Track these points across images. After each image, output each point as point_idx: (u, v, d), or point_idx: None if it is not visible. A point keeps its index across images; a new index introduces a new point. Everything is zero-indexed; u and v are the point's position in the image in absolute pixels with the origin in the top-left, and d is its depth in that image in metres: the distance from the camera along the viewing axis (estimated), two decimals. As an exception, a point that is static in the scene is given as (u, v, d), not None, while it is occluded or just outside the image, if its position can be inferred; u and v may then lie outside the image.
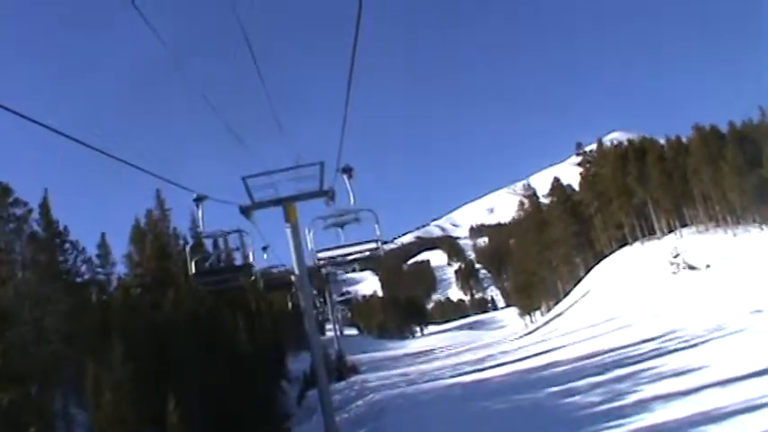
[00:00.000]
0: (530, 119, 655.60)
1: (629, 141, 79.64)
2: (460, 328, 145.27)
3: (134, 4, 6.04)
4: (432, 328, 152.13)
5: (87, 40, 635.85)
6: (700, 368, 18.75)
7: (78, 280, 23.95)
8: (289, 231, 14.83)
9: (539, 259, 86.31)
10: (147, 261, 31.20)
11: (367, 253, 13.22)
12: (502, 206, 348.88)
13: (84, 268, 24.97)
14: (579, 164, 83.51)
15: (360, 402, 29.54)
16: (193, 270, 13.33)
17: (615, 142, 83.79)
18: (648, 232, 71.75)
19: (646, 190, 69.51)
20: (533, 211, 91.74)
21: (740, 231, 58.93)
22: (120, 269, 32.37)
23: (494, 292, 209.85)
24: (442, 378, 34.47)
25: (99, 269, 31.37)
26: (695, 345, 23.95)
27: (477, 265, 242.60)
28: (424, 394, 27.48)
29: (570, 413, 17.22)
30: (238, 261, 16.98)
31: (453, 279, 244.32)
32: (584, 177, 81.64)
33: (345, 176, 13.04)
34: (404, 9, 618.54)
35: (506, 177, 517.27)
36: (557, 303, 78.77)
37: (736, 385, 15.10)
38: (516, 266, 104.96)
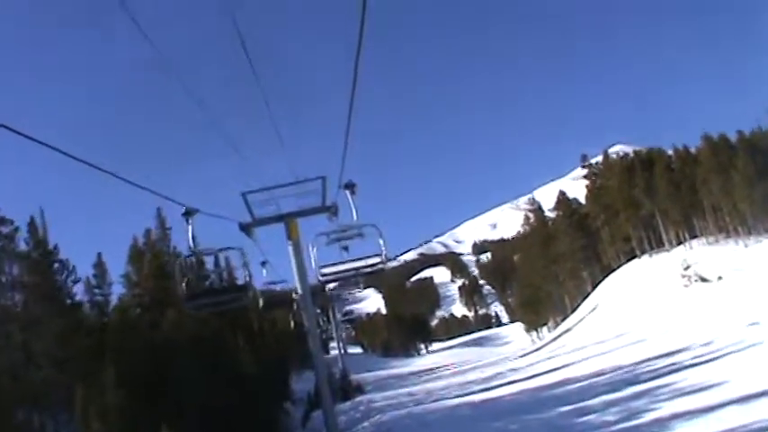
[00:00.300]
0: (531, 133, 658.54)
1: (636, 152, 78.98)
2: (465, 344, 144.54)
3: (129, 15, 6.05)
4: (436, 346, 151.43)
5: (85, 47, 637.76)
6: (719, 384, 17.97)
7: (70, 301, 23.10)
8: (291, 249, 14.50)
9: (545, 274, 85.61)
10: (146, 280, 30.53)
11: (372, 267, 12.85)
12: (504, 222, 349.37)
13: (75, 289, 24.16)
14: (585, 176, 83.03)
15: (366, 424, 28.86)
16: (184, 290, 12.54)
17: (621, 153, 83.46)
18: (657, 245, 70.90)
19: (653, 201, 68.76)
20: (539, 225, 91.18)
21: (752, 242, 57.90)
22: (118, 289, 31.77)
23: (498, 308, 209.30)
24: (450, 397, 33.85)
25: (97, 289, 30.82)
26: (712, 359, 23.17)
27: (481, 281, 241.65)
28: (432, 414, 26.95)
29: (584, 434, 16.32)
30: (240, 279, 16.40)
31: (457, 295, 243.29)
32: (591, 190, 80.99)
33: (348, 192, 12.90)
34: (405, 23, 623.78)
35: (508, 193, 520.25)
36: (564, 319, 77.90)
37: (759, 402, 14.32)
38: (522, 281, 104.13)
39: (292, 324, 59.03)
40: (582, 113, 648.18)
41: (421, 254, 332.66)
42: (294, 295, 15.52)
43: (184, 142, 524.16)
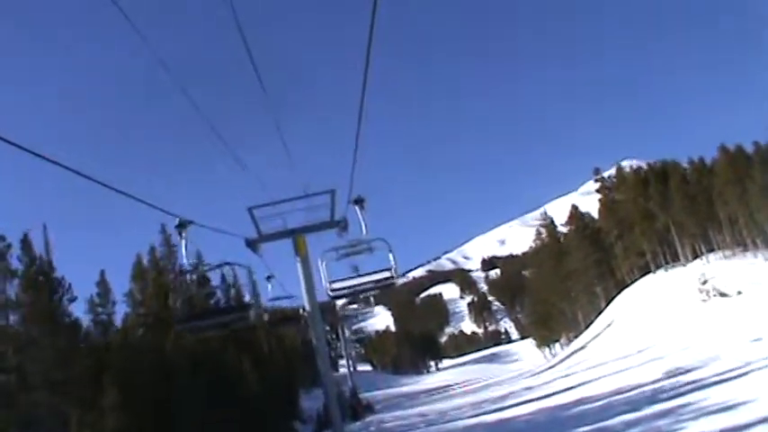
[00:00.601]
0: (539, 150, 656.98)
1: (650, 165, 78.08)
2: (476, 361, 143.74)
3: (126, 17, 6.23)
4: (446, 363, 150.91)
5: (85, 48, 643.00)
6: (745, 402, 16.85)
7: (70, 319, 22.28)
8: (299, 265, 13.99)
9: (557, 289, 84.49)
10: (150, 299, 29.86)
11: (382, 282, 12.60)
12: (513, 238, 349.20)
13: (72, 308, 23.33)
14: (598, 190, 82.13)
15: (377, 446, 27.94)
16: (179, 311, 11.78)
17: (634, 167, 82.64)
18: (672, 259, 69.70)
19: (668, 215, 67.63)
20: (551, 240, 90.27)
21: (771, 255, 56.81)
22: (123, 308, 31.07)
23: (507, 324, 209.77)
24: (463, 418, 32.99)
25: (100, 308, 30.15)
26: (737, 377, 22.02)
27: (490, 298, 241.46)
28: (445, 436, 26.01)
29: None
30: (246, 297, 15.82)
31: (466, 312, 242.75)
32: (604, 204, 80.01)
33: (357, 207, 12.74)
34: (417, 37, 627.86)
35: (516, 209, 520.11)
36: (578, 335, 76.60)
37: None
38: (534, 297, 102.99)
39: (300, 341, 58.34)
40: (589, 129, 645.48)
41: (429, 270, 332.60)
42: (302, 312, 14.83)
43: (189, 153, 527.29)
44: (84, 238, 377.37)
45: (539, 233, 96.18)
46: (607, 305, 71.59)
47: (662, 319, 49.12)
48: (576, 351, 65.66)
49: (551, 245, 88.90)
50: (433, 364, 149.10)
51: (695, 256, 66.77)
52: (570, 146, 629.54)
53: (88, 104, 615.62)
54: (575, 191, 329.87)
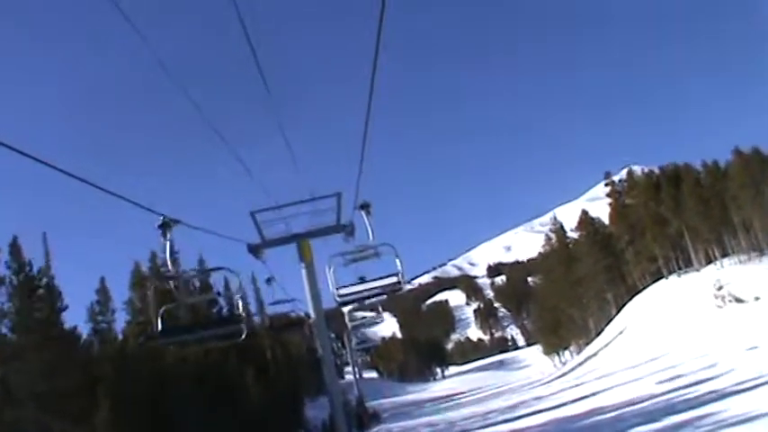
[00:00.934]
0: (546, 156, 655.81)
1: (661, 168, 77.17)
2: (483, 368, 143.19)
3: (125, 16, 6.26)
4: (453, 370, 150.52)
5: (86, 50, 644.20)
6: (767, 414, 16.06)
7: (60, 330, 21.39)
8: (303, 271, 13.53)
9: (567, 296, 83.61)
10: (149, 307, 29.20)
11: (390, 288, 12.38)
12: (519, 244, 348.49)
13: (67, 317, 22.47)
14: (608, 195, 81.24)
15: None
16: (159, 323, 10.54)
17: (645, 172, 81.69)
18: (685, 264, 68.76)
19: (681, 219, 66.70)
20: (560, 246, 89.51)
21: (787, 260, 55.88)
22: (123, 315, 30.41)
23: (514, 331, 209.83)
24: (473, 429, 32.57)
25: (100, 316, 29.50)
26: (756, 386, 21.08)
27: (496, 304, 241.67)
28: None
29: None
30: (241, 304, 14.99)
31: (472, 318, 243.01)
32: (614, 208, 79.08)
33: (363, 213, 12.51)
34: (422, 42, 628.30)
35: (522, 215, 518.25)
36: (588, 343, 75.86)
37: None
38: (542, 304, 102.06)
39: (305, 348, 57.55)
40: (595, 135, 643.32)
41: (435, 277, 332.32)
42: (306, 318, 14.21)
43: (189, 154, 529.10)
44: (84, 244, 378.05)
45: (548, 238, 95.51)
46: (618, 312, 70.83)
47: (676, 326, 48.23)
48: (586, 359, 64.80)
49: (560, 250, 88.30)
50: (439, 370, 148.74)
51: (709, 261, 65.84)
52: (576, 152, 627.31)
53: (88, 105, 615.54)
54: (580, 197, 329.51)
